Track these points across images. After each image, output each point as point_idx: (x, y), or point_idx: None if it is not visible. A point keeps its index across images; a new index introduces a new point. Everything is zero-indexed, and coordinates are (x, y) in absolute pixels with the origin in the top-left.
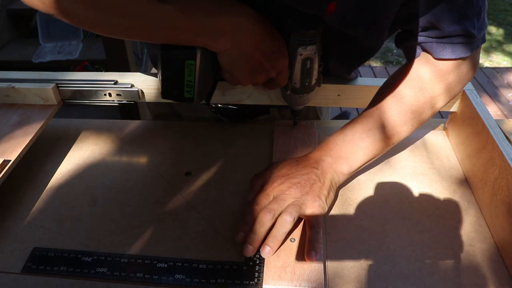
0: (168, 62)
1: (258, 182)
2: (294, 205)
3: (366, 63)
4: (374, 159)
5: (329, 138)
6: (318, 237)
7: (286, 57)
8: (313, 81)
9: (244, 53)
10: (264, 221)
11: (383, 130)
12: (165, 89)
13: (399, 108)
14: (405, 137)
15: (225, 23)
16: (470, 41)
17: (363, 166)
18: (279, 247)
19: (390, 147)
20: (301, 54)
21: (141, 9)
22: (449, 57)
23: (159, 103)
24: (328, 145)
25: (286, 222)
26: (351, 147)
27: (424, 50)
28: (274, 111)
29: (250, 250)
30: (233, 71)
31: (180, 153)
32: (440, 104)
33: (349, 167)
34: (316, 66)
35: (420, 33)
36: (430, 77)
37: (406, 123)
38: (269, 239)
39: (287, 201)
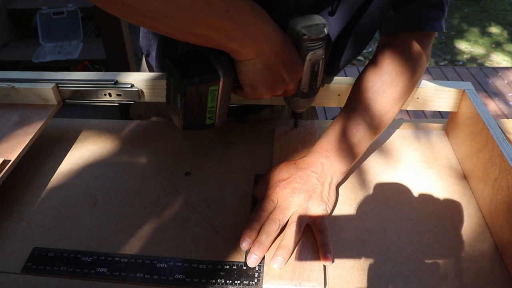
0: (191, 91)
1: (261, 189)
2: (301, 213)
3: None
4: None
5: (322, 139)
6: (328, 240)
7: (302, 67)
8: (319, 83)
9: (267, 64)
10: (269, 231)
11: (372, 121)
12: (187, 120)
13: (383, 96)
14: (394, 118)
15: (259, 28)
16: (442, 18)
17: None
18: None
19: (381, 133)
20: (310, 60)
21: None
22: (433, 30)
23: (148, 108)
24: (322, 147)
25: (296, 232)
26: (345, 145)
27: (409, 23)
28: (265, 112)
29: (255, 260)
30: (256, 84)
31: (180, 153)
32: (419, 75)
33: (346, 165)
34: (322, 68)
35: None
36: (406, 58)
37: (393, 107)
38: (281, 251)
39: (291, 209)
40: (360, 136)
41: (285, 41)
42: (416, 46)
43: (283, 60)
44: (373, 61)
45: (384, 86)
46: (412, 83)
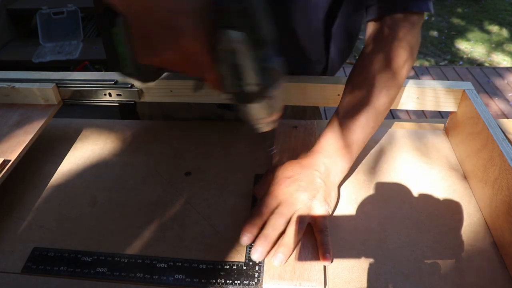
0: (101, 29)
1: (261, 187)
2: (304, 212)
3: None
4: None
5: (321, 139)
6: (328, 240)
7: (193, 38)
8: (251, 85)
9: (134, 17)
10: (277, 225)
11: (370, 115)
12: (108, 61)
13: (377, 90)
14: (389, 110)
15: None
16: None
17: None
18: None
19: (378, 126)
20: (220, 43)
21: None
22: (419, 10)
23: (151, 105)
24: (323, 147)
25: (297, 231)
26: (345, 142)
27: (394, 5)
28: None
29: (260, 255)
30: (134, 41)
31: (180, 153)
32: (411, 60)
33: (347, 164)
34: (249, 61)
35: None
36: (397, 44)
37: (388, 96)
38: (282, 248)
39: (296, 205)
40: (359, 131)
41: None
42: (404, 29)
43: (157, 16)
44: (363, 54)
45: (378, 79)
46: (405, 70)
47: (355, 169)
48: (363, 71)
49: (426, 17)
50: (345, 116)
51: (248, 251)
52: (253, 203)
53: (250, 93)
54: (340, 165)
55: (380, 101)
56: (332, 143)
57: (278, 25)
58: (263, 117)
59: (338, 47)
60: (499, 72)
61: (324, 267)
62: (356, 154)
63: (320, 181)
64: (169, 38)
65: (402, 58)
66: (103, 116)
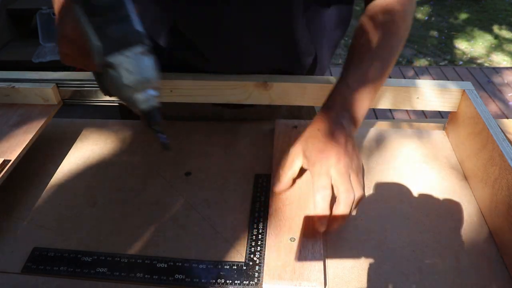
0: None
1: (288, 171)
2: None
3: None
4: None
5: (334, 94)
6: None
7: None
8: (97, 53)
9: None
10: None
11: (381, 69)
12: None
13: (385, 40)
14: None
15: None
16: None
17: None
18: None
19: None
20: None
21: None
22: None
23: None
24: (340, 102)
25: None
26: (359, 96)
27: None
28: (245, 110)
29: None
30: None
31: (180, 153)
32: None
33: (358, 120)
34: (89, 29)
35: None
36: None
37: (396, 48)
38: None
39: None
40: (372, 86)
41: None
42: None
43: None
44: (364, 17)
45: (389, 22)
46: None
47: None
48: (371, 32)
49: (426, 17)
50: (359, 73)
51: (248, 251)
52: (253, 204)
53: (99, 62)
54: (354, 121)
55: (396, 55)
56: (347, 97)
57: (257, 15)
58: (124, 88)
59: (327, 36)
60: (499, 72)
61: (324, 267)
62: (367, 109)
63: (350, 143)
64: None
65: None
66: (103, 116)
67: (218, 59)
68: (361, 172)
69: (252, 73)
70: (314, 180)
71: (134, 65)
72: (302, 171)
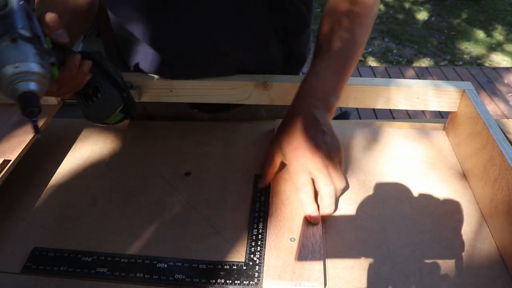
0: None
1: (268, 168)
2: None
3: (366, 64)
4: None
5: (304, 85)
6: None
7: None
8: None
9: None
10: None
11: (350, 52)
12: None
13: (351, 25)
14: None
15: None
16: None
17: None
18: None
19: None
20: None
21: None
22: None
23: (150, 105)
24: (310, 92)
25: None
26: (329, 84)
27: None
28: (237, 111)
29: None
30: None
31: (180, 153)
32: None
33: (332, 106)
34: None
35: None
36: None
37: (365, 29)
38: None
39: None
40: (344, 73)
41: None
42: None
43: None
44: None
45: (354, 8)
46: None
47: (355, 169)
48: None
49: (426, 17)
50: (328, 59)
51: (248, 251)
52: (254, 204)
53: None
54: (328, 107)
55: (364, 42)
56: (318, 87)
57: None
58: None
59: (292, 25)
60: (499, 72)
61: (324, 267)
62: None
63: (329, 135)
64: None
65: None
66: None
67: (179, 62)
68: (341, 162)
69: (222, 73)
70: (294, 178)
71: None
72: None
